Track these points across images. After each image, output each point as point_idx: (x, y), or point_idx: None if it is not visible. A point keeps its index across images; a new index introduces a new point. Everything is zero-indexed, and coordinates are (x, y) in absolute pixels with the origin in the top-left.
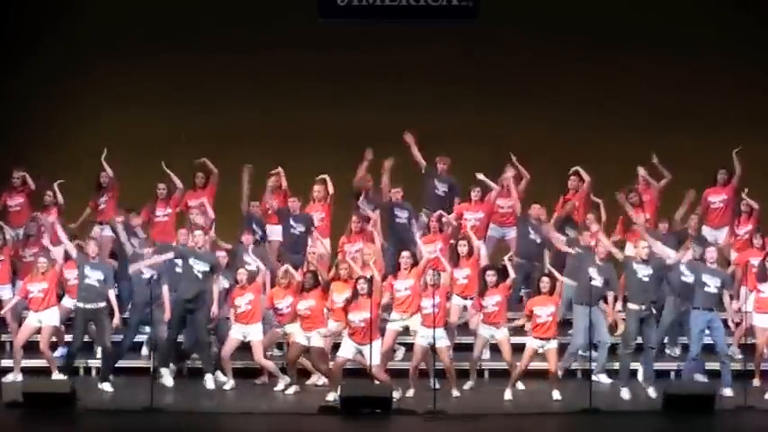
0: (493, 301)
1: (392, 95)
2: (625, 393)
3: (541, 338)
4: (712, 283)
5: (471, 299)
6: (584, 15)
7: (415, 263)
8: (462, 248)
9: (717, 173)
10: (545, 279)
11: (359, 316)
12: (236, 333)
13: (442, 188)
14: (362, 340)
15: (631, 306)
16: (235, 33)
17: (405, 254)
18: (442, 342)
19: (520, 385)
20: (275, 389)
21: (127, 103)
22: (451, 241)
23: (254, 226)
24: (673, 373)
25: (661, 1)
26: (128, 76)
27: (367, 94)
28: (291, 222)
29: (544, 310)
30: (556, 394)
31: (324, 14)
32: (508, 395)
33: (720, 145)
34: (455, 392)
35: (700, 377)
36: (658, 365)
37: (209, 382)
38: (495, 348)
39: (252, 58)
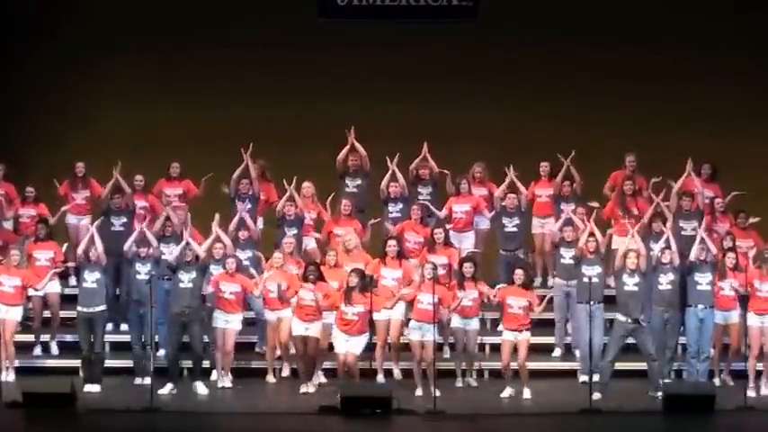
0: (470, 295)
1: (392, 94)
2: (597, 395)
3: (513, 330)
4: (704, 280)
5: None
6: (583, 14)
7: (401, 251)
8: (468, 270)
9: (700, 167)
10: (519, 271)
11: (352, 309)
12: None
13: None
14: (352, 332)
15: (619, 317)
16: (234, 32)
17: (391, 242)
18: (429, 337)
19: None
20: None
21: (127, 101)
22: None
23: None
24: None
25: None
26: (128, 74)
27: (367, 93)
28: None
29: (516, 302)
30: (526, 393)
31: (323, 14)
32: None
33: (722, 144)
34: (437, 392)
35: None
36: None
37: (200, 387)
38: (495, 348)
39: (252, 57)
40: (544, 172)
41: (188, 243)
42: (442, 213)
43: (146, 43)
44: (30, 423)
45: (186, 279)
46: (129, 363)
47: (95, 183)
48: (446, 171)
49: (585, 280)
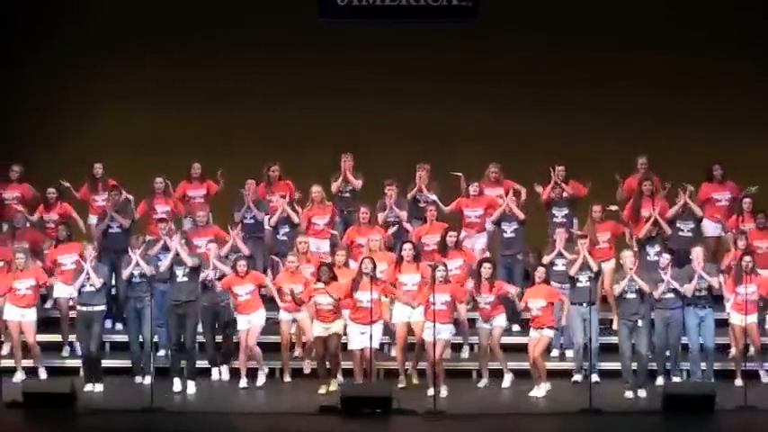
0: (486, 299)
1: (392, 94)
2: (629, 394)
3: (537, 329)
4: (702, 285)
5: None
6: (583, 14)
7: (418, 254)
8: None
9: (711, 169)
10: (541, 269)
11: (365, 296)
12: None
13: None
14: (364, 320)
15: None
16: (235, 32)
17: (407, 246)
18: (443, 336)
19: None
20: (257, 383)
21: (127, 101)
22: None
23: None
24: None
25: (660, 1)
26: (128, 74)
27: (367, 93)
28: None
29: (535, 303)
30: (541, 390)
31: (323, 14)
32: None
33: (722, 147)
34: (444, 392)
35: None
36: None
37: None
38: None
39: (252, 57)
40: (560, 176)
41: (177, 254)
42: (448, 209)
43: (146, 43)
44: (30, 423)
45: (181, 273)
46: (128, 363)
47: (114, 182)
48: (459, 173)
49: (579, 285)
